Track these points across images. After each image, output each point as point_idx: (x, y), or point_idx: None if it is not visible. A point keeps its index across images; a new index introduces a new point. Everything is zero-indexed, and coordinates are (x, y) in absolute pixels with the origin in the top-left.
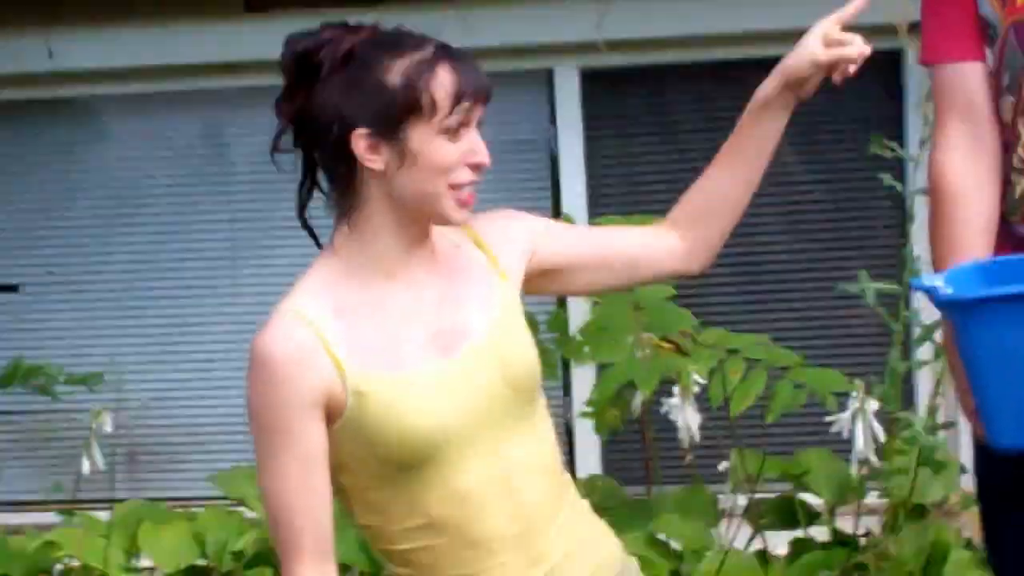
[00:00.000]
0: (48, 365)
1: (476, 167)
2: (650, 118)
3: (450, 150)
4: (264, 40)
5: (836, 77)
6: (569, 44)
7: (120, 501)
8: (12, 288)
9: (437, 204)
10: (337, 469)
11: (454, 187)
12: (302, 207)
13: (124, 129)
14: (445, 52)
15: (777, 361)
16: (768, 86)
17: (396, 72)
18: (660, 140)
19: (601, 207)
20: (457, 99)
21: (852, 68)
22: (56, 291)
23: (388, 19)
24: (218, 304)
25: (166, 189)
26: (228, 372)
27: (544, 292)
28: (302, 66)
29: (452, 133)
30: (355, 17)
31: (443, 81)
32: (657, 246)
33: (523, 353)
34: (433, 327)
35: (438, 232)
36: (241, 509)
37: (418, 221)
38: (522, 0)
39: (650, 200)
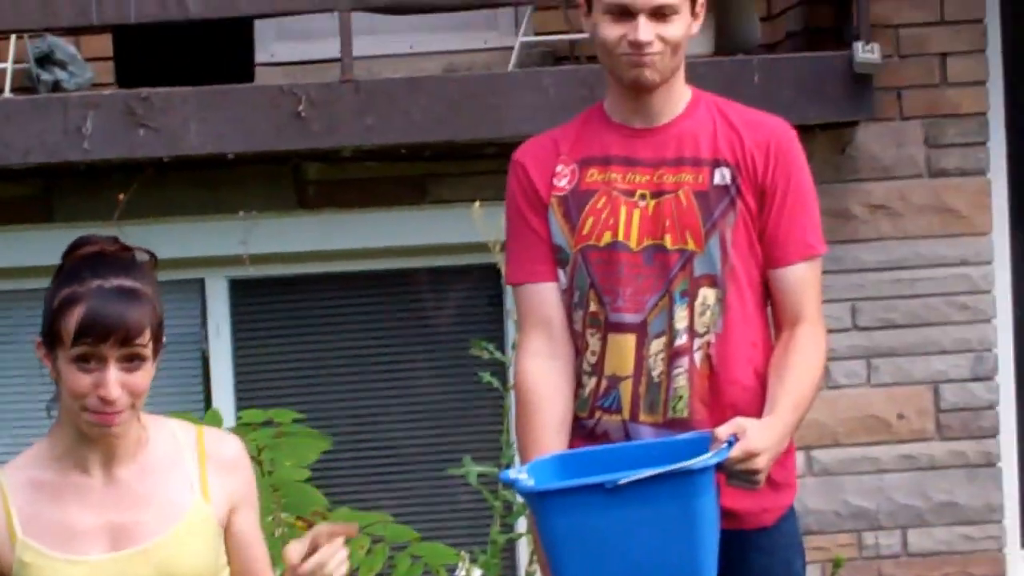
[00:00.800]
0: None
1: (102, 399)
2: (290, 321)
3: (80, 380)
4: None
5: None
6: (219, 257)
7: None
8: None
9: (77, 419)
10: None
11: (88, 410)
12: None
13: None
14: (95, 291)
15: (398, 537)
16: None
17: (56, 299)
18: (298, 341)
19: (247, 401)
20: (78, 336)
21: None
22: None
23: (58, 235)
24: None
25: None
26: None
27: None
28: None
29: (81, 364)
30: (25, 232)
31: (73, 318)
32: None
33: (189, 568)
34: (111, 520)
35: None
36: None
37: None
38: (176, 219)
39: (289, 396)
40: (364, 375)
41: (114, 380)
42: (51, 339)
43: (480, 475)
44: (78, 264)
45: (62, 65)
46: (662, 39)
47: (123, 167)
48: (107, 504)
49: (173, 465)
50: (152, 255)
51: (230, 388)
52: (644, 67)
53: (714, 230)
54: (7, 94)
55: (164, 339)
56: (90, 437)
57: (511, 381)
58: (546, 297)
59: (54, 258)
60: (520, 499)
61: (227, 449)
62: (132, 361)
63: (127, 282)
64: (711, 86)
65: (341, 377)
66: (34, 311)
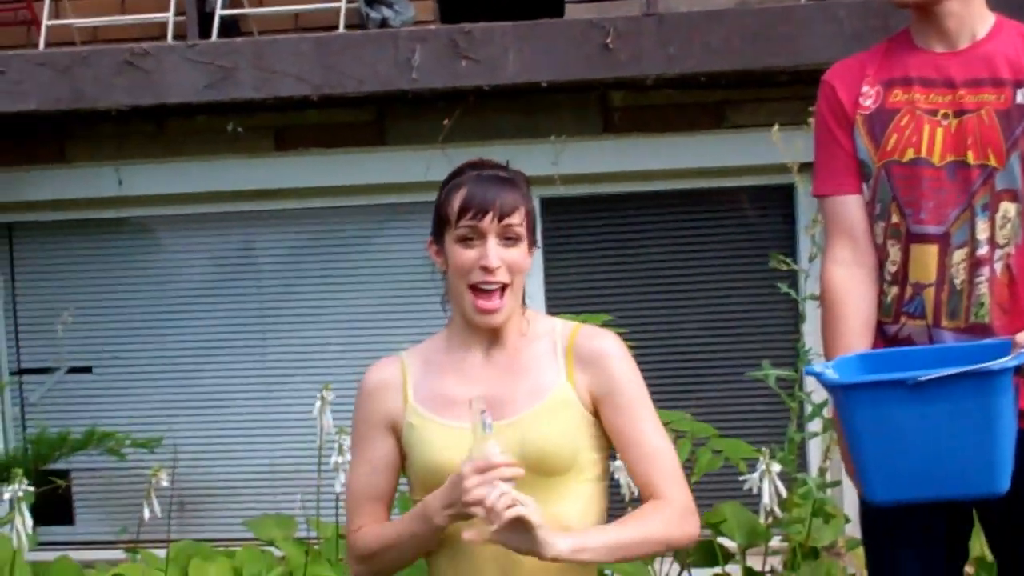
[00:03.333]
0: (116, 432)
1: (485, 269)
2: (596, 236)
3: (464, 255)
4: (290, 173)
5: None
6: (532, 177)
7: (174, 541)
8: (86, 370)
9: (462, 302)
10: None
11: (472, 288)
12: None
13: (177, 242)
14: (475, 177)
15: (699, 433)
16: None
17: (442, 192)
18: (603, 254)
19: (555, 308)
20: (462, 213)
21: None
22: (121, 372)
23: (389, 157)
24: (251, 382)
25: (209, 289)
26: (259, 436)
27: None
28: None
29: (465, 241)
30: (361, 154)
31: (456, 199)
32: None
33: (548, 441)
34: (484, 394)
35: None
36: (271, 549)
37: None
38: (495, 143)
39: (594, 304)
40: (664, 286)
41: (494, 251)
42: (439, 226)
43: (777, 378)
44: (461, 167)
45: (388, 4)
46: None
47: (447, 95)
48: (483, 379)
49: (546, 354)
50: (524, 176)
51: (540, 295)
52: None
53: (1015, 147)
54: (342, 29)
55: (537, 242)
56: (476, 327)
57: (804, 291)
58: (850, 208)
59: (386, 177)
60: (815, 401)
61: (593, 343)
62: (509, 239)
63: (501, 172)
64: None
65: (643, 288)
66: (367, 226)
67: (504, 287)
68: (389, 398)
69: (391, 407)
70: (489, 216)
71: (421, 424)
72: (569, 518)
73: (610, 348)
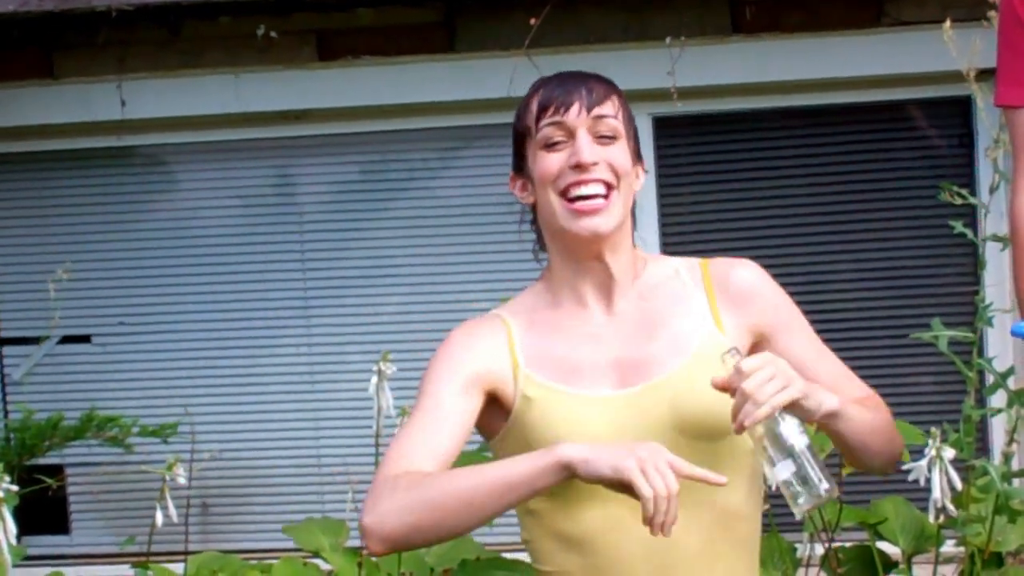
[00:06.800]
0: (121, 416)
1: (576, 167)
2: (722, 164)
3: (551, 159)
4: (335, 88)
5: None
6: (641, 91)
7: (194, 553)
8: (84, 339)
9: (556, 217)
10: None
11: (564, 195)
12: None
13: (195, 178)
14: (556, 76)
15: None
16: None
17: (516, 116)
18: (731, 187)
19: (673, 254)
20: (542, 113)
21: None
22: (127, 342)
23: (460, 68)
24: (291, 353)
25: (237, 238)
26: (301, 422)
27: None
28: None
29: (549, 146)
30: (425, 64)
31: (532, 104)
32: None
33: (704, 402)
34: (616, 355)
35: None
36: (316, 561)
37: (569, 246)
38: (594, 48)
39: (719, 249)
40: (806, 226)
41: (587, 143)
42: (519, 146)
43: (951, 341)
44: (537, 81)
45: None
46: None
47: None
48: (610, 338)
49: (677, 298)
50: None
51: (655, 238)
52: None
53: None
54: None
55: (643, 159)
56: (578, 243)
57: (984, 231)
58: None
59: (457, 92)
60: (998, 369)
61: (736, 279)
62: (604, 137)
63: (586, 71)
64: None
65: (780, 229)
66: (435, 155)
67: (608, 187)
68: (491, 356)
69: (493, 367)
70: (575, 108)
71: (545, 396)
72: (736, 493)
73: (757, 278)
